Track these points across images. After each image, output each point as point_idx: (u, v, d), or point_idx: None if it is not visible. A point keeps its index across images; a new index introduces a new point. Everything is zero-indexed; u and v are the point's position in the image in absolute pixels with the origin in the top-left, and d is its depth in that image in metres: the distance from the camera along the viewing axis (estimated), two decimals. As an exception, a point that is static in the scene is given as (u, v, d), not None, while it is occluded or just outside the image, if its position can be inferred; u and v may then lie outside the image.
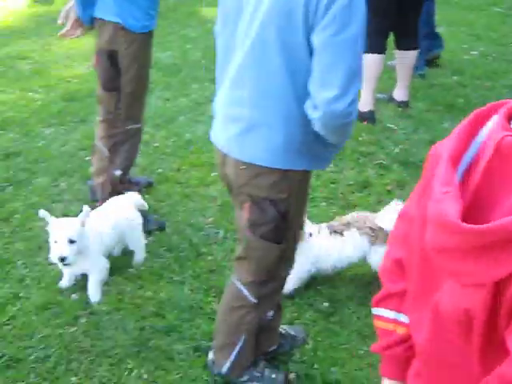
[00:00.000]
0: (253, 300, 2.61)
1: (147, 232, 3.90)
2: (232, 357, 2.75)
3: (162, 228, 4.01)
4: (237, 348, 2.72)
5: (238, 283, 2.64)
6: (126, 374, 2.94)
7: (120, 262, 3.66)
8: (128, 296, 3.40)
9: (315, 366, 3.03)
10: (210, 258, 3.77)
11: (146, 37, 3.69)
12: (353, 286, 3.57)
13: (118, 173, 3.90)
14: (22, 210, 4.10)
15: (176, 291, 3.46)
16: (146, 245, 3.79)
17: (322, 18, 1.96)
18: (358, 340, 3.22)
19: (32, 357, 2.99)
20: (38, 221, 3.97)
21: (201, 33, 8.07)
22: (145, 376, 2.93)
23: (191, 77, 6.52)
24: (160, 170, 4.67)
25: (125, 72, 3.66)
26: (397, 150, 5.10)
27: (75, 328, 3.17)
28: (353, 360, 3.10)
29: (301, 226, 2.72)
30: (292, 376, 2.96)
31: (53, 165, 4.68)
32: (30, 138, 5.09)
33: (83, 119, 5.45)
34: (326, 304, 3.42)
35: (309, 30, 2.00)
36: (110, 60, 3.65)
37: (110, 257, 3.59)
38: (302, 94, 2.11)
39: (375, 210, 4.24)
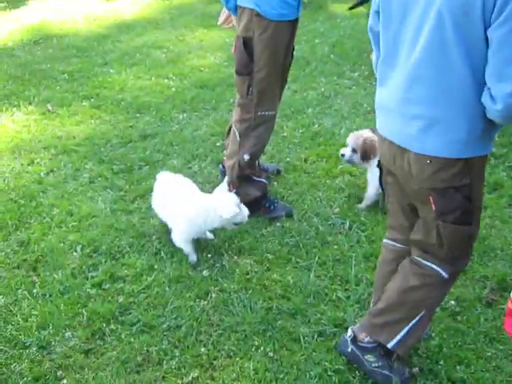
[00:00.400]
0: (445, 275, 2.64)
1: (273, 218, 3.99)
2: (403, 332, 2.73)
3: (289, 215, 4.07)
4: (411, 324, 2.72)
5: (426, 262, 2.65)
6: (252, 349, 3.02)
7: (249, 245, 3.76)
8: (256, 277, 3.49)
9: (440, 362, 2.97)
10: (335, 247, 3.78)
11: (283, 25, 3.71)
12: (481, 286, 3.47)
13: (247, 157, 3.99)
14: (157, 189, 4.30)
15: (302, 276, 3.51)
16: (273, 230, 3.88)
17: (499, 15, 1.98)
18: (485, 341, 3.13)
19: (164, 325, 3.15)
20: (172, 200, 4.19)
21: (329, 27, 8.10)
22: (270, 354, 3.00)
23: (319, 70, 6.56)
24: (288, 159, 4.74)
25: (257, 58, 3.73)
26: (530, 154, 4.88)
27: (205, 302, 3.30)
28: (479, 361, 3.01)
29: None
30: (416, 370, 2.93)
31: (186, 148, 4.88)
32: (165, 122, 5.33)
33: (214, 107, 5.63)
34: (452, 302, 3.34)
35: (486, 26, 2.03)
36: (245, 45, 3.74)
37: (239, 241, 3.76)
38: (482, 87, 2.14)
39: (505, 214, 4.12)
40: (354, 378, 2.87)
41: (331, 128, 5.27)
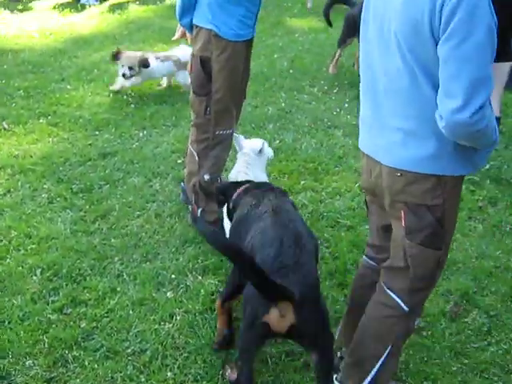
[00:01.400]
0: (406, 308, 2.57)
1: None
2: (373, 371, 2.66)
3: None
4: (380, 361, 2.64)
5: (389, 292, 2.60)
6: (219, 372, 2.97)
7: (213, 264, 3.72)
8: (220, 297, 3.45)
9: (408, 379, 2.99)
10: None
11: (240, 45, 3.72)
12: (444, 300, 3.50)
13: (207, 177, 3.96)
14: (119, 208, 4.24)
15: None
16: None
17: (444, 31, 2.03)
18: (451, 356, 3.16)
19: (129, 350, 3.08)
20: (134, 219, 4.13)
21: (287, 42, 8.16)
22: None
23: (278, 86, 6.59)
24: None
25: (215, 78, 3.72)
26: (488, 167, 4.98)
27: (170, 325, 3.24)
28: (445, 376, 3.03)
29: None
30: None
31: (146, 166, 4.82)
32: (125, 140, 5.26)
33: (174, 123, 5.59)
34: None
35: (436, 44, 2.07)
36: (202, 65, 3.73)
37: (203, 260, 3.73)
38: None
39: (466, 227, 4.18)
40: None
41: (292, 143, 5.29)
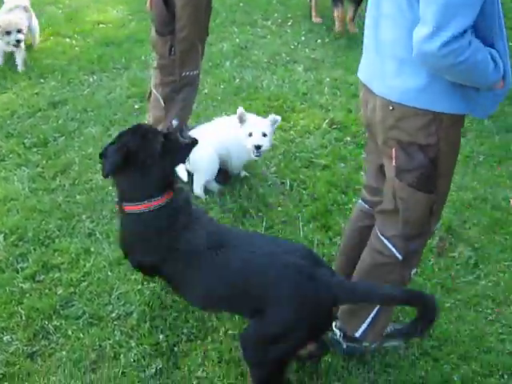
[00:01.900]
0: (399, 256, 2.46)
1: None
2: (369, 319, 2.60)
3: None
4: (375, 309, 2.57)
5: (382, 238, 2.48)
6: (212, 330, 2.84)
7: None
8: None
9: (405, 319, 2.92)
10: (279, 208, 3.63)
11: None
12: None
13: (175, 122, 3.72)
14: (79, 162, 3.94)
15: (251, 244, 3.33)
16: (213, 197, 3.67)
17: None
18: (443, 292, 3.13)
19: (113, 314, 2.89)
20: (97, 172, 3.85)
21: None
22: (231, 332, 2.82)
23: (230, 20, 6.25)
24: (215, 118, 4.46)
25: (179, 16, 3.44)
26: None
27: (154, 284, 3.05)
28: (441, 313, 2.97)
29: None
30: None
31: (102, 114, 4.49)
32: (74, 86, 4.88)
33: (125, 66, 5.23)
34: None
35: None
36: (165, 2, 3.43)
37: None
38: None
39: None
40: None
41: (253, 81, 5.04)
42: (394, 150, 2.24)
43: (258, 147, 3.54)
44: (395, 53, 2.12)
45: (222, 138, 3.72)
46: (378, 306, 2.58)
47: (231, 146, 3.70)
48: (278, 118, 3.67)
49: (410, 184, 2.26)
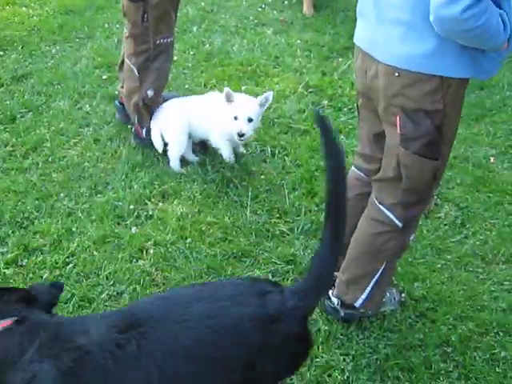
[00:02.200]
0: (399, 223, 2.42)
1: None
2: (368, 288, 2.57)
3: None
4: (374, 278, 2.55)
5: (381, 206, 2.43)
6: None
7: (171, 188, 3.42)
8: (189, 223, 3.19)
9: (400, 283, 2.92)
10: (262, 176, 3.55)
11: None
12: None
13: (151, 93, 3.59)
14: (50, 138, 3.77)
15: (238, 214, 3.27)
16: (194, 168, 3.57)
17: None
18: (433, 254, 3.13)
19: (104, 295, 2.79)
20: (71, 148, 3.72)
21: None
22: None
23: (192, -18, 6.03)
24: (186, 86, 4.34)
25: None
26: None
27: (143, 261, 2.96)
28: (432, 274, 3.00)
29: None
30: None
31: (69, 86, 4.29)
32: (37, 58, 4.65)
33: (89, 35, 5.01)
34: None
35: None
36: None
37: (160, 185, 3.43)
38: None
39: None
40: (320, 314, 2.73)
41: (223, 46, 4.90)
42: (398, 117, 2.17)
43: (240, 135, 3.38)
44: (400, 17, 2.03)
45: (197, 119, 3.60)
46: (377, 276, 2.55)
47: (207, 129, 3.61)
48: (270, 96, 3.43)
49: (416, 151, 2.20)
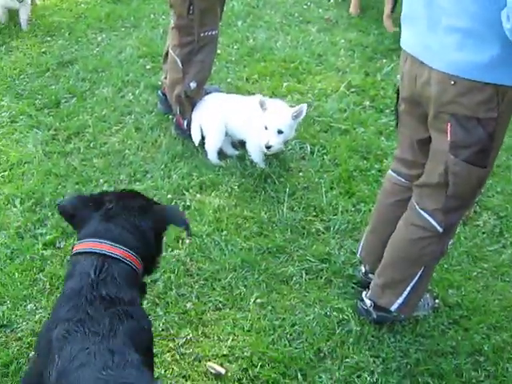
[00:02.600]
0: (439, 229, 2.39)
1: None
2: (405, 293, 2.55)
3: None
4: (412, 283, 2.52)
5: (422, 211, 2.40)
6: (240, 298, 2.78)
7: (210, 180, 3.43)
8: (226, 215, 3.20)
9: (434, 288, 2.89)
10: (301, 174, 3.55)
11: None
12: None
13: (193, 85, 3.60)
14: (93, 124, 3.82)
15: (275, 210, 3.27)
16: (233, 161, 3.59)
17: None
18: (469, 261, 3.09)
19: (138, 279, 2.82)
20: (112, 135, 3.76)
21: None
22: (259, 300, 2.77)
23: (239, -22, 6.03)
24: (229, 80, 4.35)
25: None
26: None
27: (179, 251, 2.99)
28: (468, 282, 2.97)
29: None
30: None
31: (113, 74, 4.34)
32: (83, 45, 4.71)
33: (135, 24, 5.05)
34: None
35: None
36: None
37: (198, 176, 3.46)
38: None
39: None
40: (352, 314, 2.73)
41: (267, 42, 4.89)
42: (449, 124, 2.13)
43: (267, 147, 3.33)
44: (456, 24, 1.98)
45: (234, 119, 3.59)
46: (414, 281, 2.53)
47: (243, 131, 3.58)
48: (304, 109, 3.35)
49: (466, 159, 2.16)
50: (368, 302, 2.67)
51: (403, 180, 2.58)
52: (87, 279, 1.71)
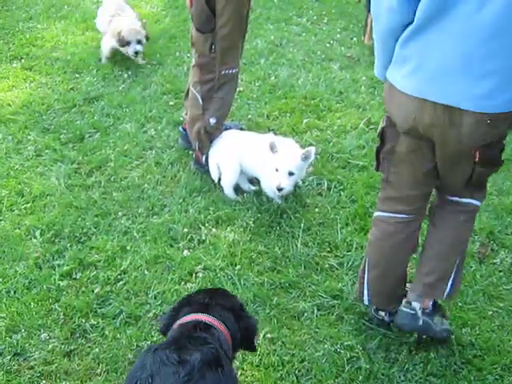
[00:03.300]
0: (479, 203, 2.62)
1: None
2: (450, 280, 2.66)
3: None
4: (454, 269, 2.65)
5: (462, 199, 2.59)
6: (251, 333, 2.79)
7: (226, 215, 3.48)
8: (240, 250, 3.23)
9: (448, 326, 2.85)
10: (316, 210, 3.57)
11: None
12: (471, 242, 3.34)
13: (213, 121, 3.68)
14: (114, 158, 3.92)
15: (289, 245, 3.29)
16: (249, 196, 3.63)
17: None
18: (485, 300, 3.05)
19: (150, 314, 2.86)
20: (133, 169, 3.84)
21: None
22: (270, 335, 2.78)
23: (264, 17, 6.17)
24: (250, 116, 4.43)
25: (220, 13, 3.37)
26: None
27: (191, 284, 3.02)
28: (482, 321, 2.92)
29: None
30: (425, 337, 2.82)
31: (137, 110, 4.45)
32: (109, 82, 4.85)
33: (160, 62, 5.19)
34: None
35: None
36: (206, 0, 3.38)
37: (215, 211, 3.51)
38: None
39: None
40: (362, 351, 2.71)
41: (288, 79, 4.97)
42: (477, 151, 2.29)
43: (279, 189, 3.36)
44: (493, 67, 2.06)
45: (248, 157, 3.64)
46: (457, 262, 2.65)
47: (256, 170, 3.62)
48: (312, 152, 3.38)
49: (491, 166, 2.42)
50: (417, 305, 2.69)
51: (405, 215, 2.61)
52: None
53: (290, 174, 3.36)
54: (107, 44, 5.07)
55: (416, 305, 2.68)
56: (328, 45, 5.63)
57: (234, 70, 3.64)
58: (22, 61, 5.14)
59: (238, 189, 3.69)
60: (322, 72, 5.11)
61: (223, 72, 3.59)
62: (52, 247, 3.22)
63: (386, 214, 2.68)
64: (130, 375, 1.81)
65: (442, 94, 2.17)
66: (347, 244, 3.30)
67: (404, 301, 2.70)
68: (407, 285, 2.81)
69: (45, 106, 4.49)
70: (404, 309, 2.70)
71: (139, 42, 4.94)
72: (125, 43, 4.91)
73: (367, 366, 2.64)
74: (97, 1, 6.49)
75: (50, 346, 2.68)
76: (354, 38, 5.75)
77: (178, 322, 2.01)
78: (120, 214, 3.47)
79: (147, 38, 5.06)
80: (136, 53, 4.96)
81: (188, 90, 3.85)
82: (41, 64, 5.08)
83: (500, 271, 3.22)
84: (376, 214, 2.73)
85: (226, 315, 2.07)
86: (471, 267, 3.21)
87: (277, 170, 3.36)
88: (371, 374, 2.62)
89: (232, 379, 1.86)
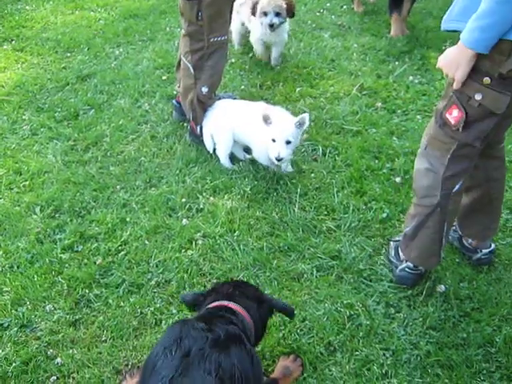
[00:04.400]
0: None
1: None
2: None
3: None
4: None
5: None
6: (252, 296, 2.83)
7: (223, 183, 3.51)
8: (238, 217, 3.26)
9: (447, 281, 2.90)
10: (312, 175, 3.59)
11: None
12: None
13: (205, 89, 3.69)
14: (110, 134, 3.94)
15: (286, 210, 3.31)
16: (245, 165, 3.65)
17: None
18: (482, 254, 3.08)
19: (152, 282, 2.90)
20: (129, 143, 3.86)
21: None
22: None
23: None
24: (242, 87, 4.44)
25: None
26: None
27: (191, 251, 3.06)
28: (479, 275, 2.95)
29: None
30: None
31: (130, 85, 4.47)
32: (101, 59, 4.86)
33: (151, 37, 5.19)
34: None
35: None
36: None
37: (211, 180, 3.53)
38: None
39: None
40: (363, 309, 2.75)
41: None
42: None
43: (278, 159, 3.37)
44: None
45: (239, 126, 3.64)
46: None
47: (248, 139, 3.64)
48: (306, 118, 3.37)
49: None
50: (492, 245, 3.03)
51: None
52: None
53: (288, 142, 3.37)
54: (235, 26, 4.85)
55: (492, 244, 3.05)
56: (318, 14, 5.62)
57: (222, 38, 3.63)
58: (13, 42, 5.14)
59: (233, 157, 3.71)
60: (313, 41, 5.11)
61: (212, 39, 3.58)
62: (52, 222, 3.25)
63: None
64: (160, 340, 1.92)
65: None
66: (344, 207, 3.33)
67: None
68: None
69: (38, 86, 4.50)
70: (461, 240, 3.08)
71: (278, 14, 4.54)
72: (262, 14, 4.55)
73: (367, 323, 2.69)
74: (84, -20, 6.48)
75: (56, 317, 2.73)
76: (344, 7, 5.74)
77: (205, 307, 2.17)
78: (118, 187, 3.50)
79: (292, 15, 4.66)
80: (271, 26, 4.53)
81: (179, 61, 3.85)
82: (32, 45, 5.08)
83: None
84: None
85: (250, 304, 2.21)
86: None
87: (274, 141, 3.38)
88: (372, 330, 2.67)
89: (254, 358, 1.94)
